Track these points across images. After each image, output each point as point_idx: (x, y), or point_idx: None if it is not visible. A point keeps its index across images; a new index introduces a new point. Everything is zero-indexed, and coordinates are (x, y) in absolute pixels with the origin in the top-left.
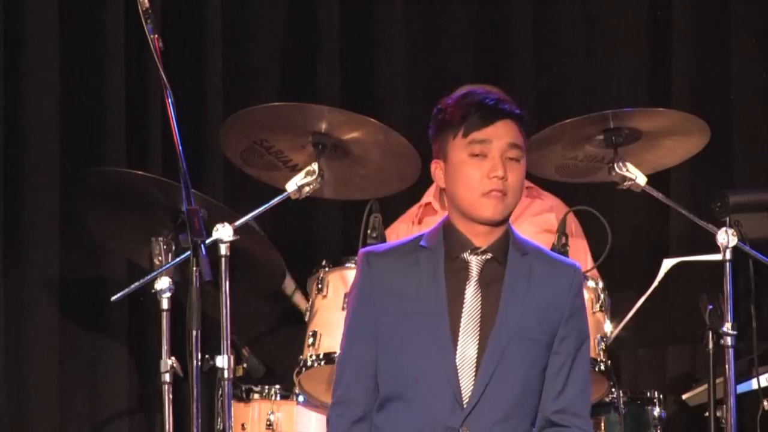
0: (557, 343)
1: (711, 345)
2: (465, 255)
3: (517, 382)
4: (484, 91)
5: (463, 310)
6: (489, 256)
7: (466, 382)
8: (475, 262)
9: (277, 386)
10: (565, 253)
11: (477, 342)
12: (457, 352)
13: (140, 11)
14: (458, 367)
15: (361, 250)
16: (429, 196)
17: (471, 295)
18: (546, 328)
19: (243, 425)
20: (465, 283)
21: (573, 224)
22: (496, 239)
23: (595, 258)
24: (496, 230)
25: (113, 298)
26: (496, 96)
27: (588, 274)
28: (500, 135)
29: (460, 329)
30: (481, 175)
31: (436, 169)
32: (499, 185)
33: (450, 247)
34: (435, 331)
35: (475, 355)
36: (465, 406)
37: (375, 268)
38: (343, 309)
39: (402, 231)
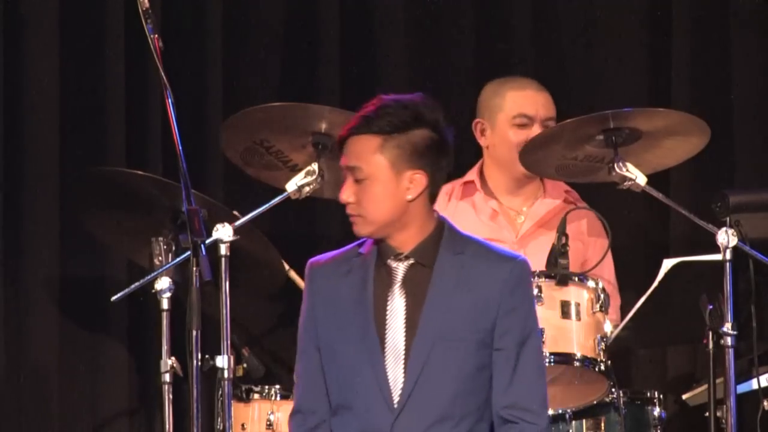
0: (497, 339)
1: (711, 345)
2: (390, 261)
3: (447, 383)
4: (356, 116)
5: (387, 316)
6: (412, 260)
7: (396, 388)
8: (400, 268)
9: (277, 386)
10: (565, 254)
11: (404, 347)
12: (386, 358)
13: (140, 11)
14: (388, 373)
15: (308, 261)
16: (472, 174)
17: (395, 301)
18: (478, 327)
19: (243, 425)
20: (390, 290)
21: (597, 226)
22: (420, 243)
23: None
24: (413, 235)
25: (113, 298)
26: (360, 115)
27: (588, 274)
28: (342, 159)
29: (386, 336)
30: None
31: None
32: (349, 209)
33: (380, 254)
34: (364, 339)
35: (403, 360)
36: (394, 410)
37: (316, 279)
38: None
39: (440, 203)
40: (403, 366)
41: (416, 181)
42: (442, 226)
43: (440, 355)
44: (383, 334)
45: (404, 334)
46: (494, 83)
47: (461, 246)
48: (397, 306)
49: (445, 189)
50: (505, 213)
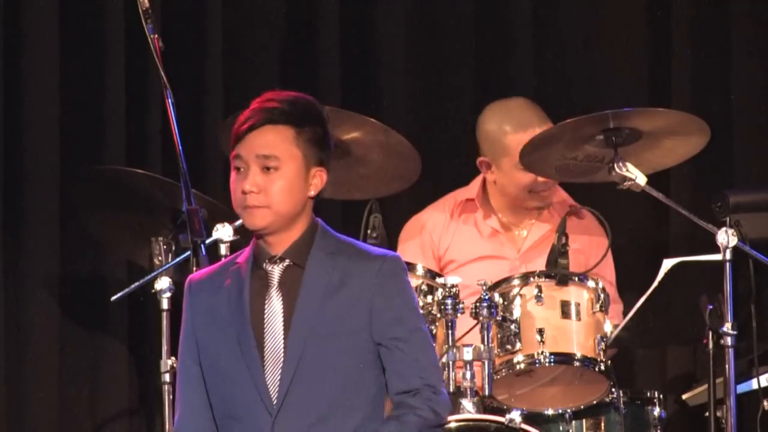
0: (376, 334)
1: (711, 345)
2: (265, 265)
3: (324, 382)
4: (250, 110)
5: (265, 320)
6: (288, 262)
7: (274, 390)
8: (276, 271)
9: None
10: (565, 254)
11: (282, 350)
12: (266, 362)
13: (140, 11)
14: (267, 377)
15: (188, 278)
16: (472, 191)
17: (271, 304)
18: (352, 324)
19: None
20: (267, 293)
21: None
22: (292, 244)
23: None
24: (290, 235)
25: (113, 298)
26: (257, 107)
27: (588, 273)
28: (249, 148)
29: (266, 340)
30: (236, 189)
31: None
32: (251, 199)
33: (256, 259)
34: (242, 346)
35: (281, 364)
36: (273, 413)
37: (193, 296)
38: None
39: (440, 220)
40: (281, 369)
41: (318, 177)
42: (315, 227)
43: (315, 354)
44: (262, 339)
45: (283, 336)
46: (493, 117)
47: (333, 246)
48: (275, 309)
49: (445, 203)
50: (506, 230)
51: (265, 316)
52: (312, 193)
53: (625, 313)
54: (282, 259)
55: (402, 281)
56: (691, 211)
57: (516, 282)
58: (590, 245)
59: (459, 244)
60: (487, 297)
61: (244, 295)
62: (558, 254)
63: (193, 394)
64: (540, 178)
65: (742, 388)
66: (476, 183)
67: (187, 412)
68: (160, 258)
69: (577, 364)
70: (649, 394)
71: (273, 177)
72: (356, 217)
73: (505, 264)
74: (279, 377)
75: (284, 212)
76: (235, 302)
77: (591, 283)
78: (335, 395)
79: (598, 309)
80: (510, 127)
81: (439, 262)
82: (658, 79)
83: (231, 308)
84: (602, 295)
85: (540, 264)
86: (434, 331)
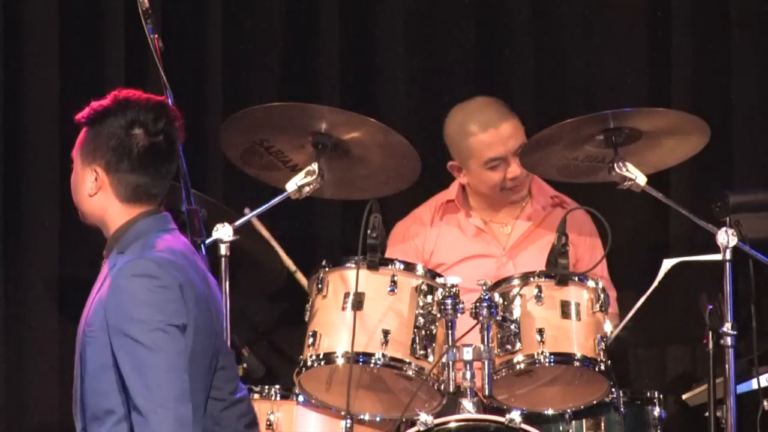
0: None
1: (711, 345)
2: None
3: (79, 386)
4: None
5: None
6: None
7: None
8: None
9: (277, 386)
10: (565, 254)
11: None
12: None
13: (140, 11)
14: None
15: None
16: (452, 192)
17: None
18: (94, 325)
19: None
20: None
21: (588, 224)
22: (107, 242)
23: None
24: (109, 233)
25: None
26: None
27: (588, 273)
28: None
29: None
30: None
31: None
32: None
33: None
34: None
35: None
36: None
37: None
38: (343, 309)
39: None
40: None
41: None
42: (132, 224)
43: (80, 357)
44: None
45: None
46: (454, 120)
47: (125, 245)
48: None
49: (427, 207)
50: (489, 228)
51: None
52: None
53: (624, 313)
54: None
55: (121, 287)
56: (691, 211)
57: (516, 282)
58: (579, 238)
59: (444, 247)
60: (487, 297)
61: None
62: (558, 254)
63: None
64: (509, 175)
65: (742, 388)
66: (455, 184)
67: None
68: None
69: (577, 364)
70: (649, 394)
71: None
72: (356, 217)
73: (492, 262)
74: None
75: (86, 213)
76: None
77: (591, 283)
78: (88, 401)
79: (598, 309)
80: (472, 128)
81: (426, 266)
82: (658, 79)
83: None
84: (602, 295)
85: (526, 260)
86: (434, 331)
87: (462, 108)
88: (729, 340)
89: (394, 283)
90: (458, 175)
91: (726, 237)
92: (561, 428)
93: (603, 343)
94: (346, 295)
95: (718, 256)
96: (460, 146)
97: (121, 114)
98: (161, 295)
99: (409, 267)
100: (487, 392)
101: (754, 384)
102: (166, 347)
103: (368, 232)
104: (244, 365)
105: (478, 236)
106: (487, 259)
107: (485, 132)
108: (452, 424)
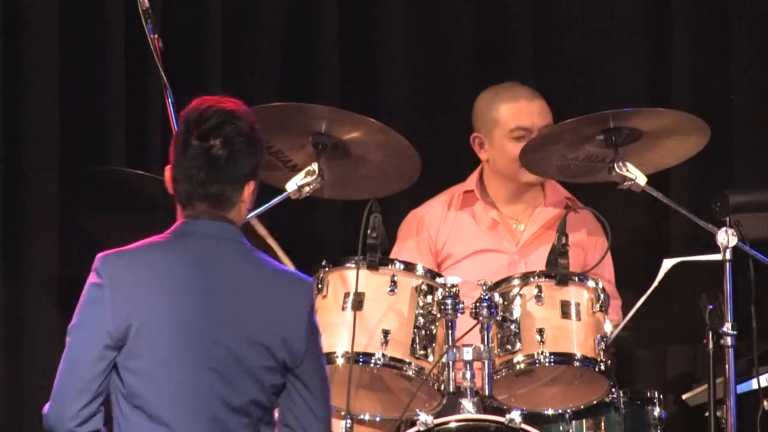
0: None
1: (711, 345)
2: None
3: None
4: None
5: None
6: None
7: None
8: None
9: None
10: (565, 254)
11: None
12: None
13: (140, 11)
14: None
15: None
16: (471, 183)
17: None
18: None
19: None
20: None
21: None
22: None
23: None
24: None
25: None
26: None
27: (588, 274)
28: None
29: None
30: None
31: None
32: None
33: None
34: None
35: None
36: None
37: None
38: (343, 309)
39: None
40: None
41: None
42: None
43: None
44: None
45: None
46: (486, 94)
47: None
48: None
49: (444, 197)
50: (505, 223)
51: None
52: None
53: (624, 313)
54: None
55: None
56: (691, 211)
57: (516, 282)
58: (589, 241)
59: (457, 238)
60: (487, 297)
61: None
62: (558, 254)
63: None
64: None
65: (742, 388)
66: (474, 175)
67: None
68: None
69: (577, 364)
70: (649, 394)
71: None
72: (356, 217)
73: (504, 258)
74: None
75: None
76: None
77: (591, 283)
78: None
79: (598, 309)
80: (504, 96)
81: (436, 257)
82: (658, 79)
83: None
84: (602, 295)
85: (537, 259)
86: (434, 331)
87: (494, 87)
88: (729, 340)
89: (394, 283)
90: (480, 152)
91: (726, 237)
92: (561, 428)
93: (603, 343)
94: (346, 295)
95: (718, 256)
96: (488, 116)
97: None
98: None
99: (409, 267)
100: (487, 392)
101: (754, 384)
102: None
103: (368, 232)
104: None
105: (492, 229)
106: (499, 254)
107: (517, 102)
108: (452, 424)
